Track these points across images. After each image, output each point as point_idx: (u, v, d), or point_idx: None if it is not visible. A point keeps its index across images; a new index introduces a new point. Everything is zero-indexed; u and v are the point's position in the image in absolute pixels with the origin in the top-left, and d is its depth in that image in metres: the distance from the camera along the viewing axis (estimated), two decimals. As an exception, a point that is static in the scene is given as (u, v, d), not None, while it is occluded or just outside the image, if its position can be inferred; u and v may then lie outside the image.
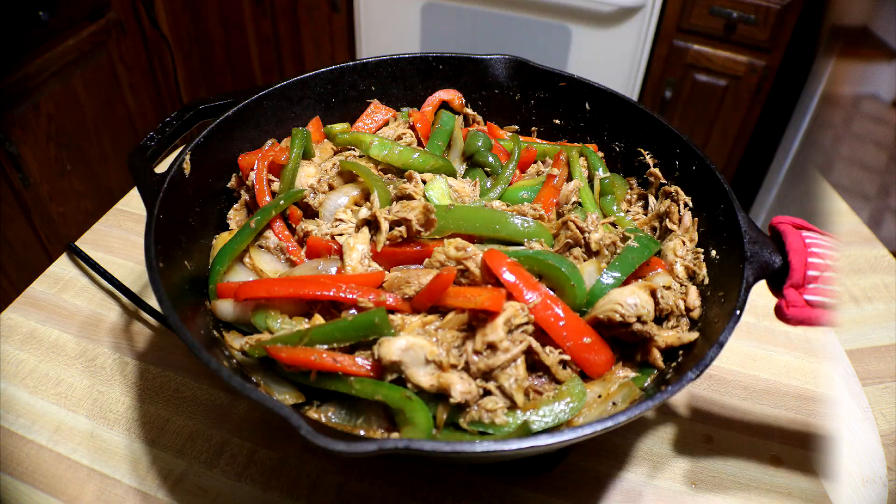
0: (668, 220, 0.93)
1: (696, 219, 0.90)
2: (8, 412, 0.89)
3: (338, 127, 1.05)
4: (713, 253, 0.84)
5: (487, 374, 0.70)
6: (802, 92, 2.31)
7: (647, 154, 1.00)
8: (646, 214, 0.99)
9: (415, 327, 0.73)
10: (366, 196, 0.91)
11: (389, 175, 0.96)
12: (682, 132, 0.94)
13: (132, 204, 1.25)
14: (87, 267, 1.10)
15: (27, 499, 0.80)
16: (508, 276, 0.73)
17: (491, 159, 1.01)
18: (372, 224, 0.84)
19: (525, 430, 0.68)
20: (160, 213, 0.78)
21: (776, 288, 0.76)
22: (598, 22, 2.38)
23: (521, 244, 0.85)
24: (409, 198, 0.86)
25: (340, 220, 0.87)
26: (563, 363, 0.74)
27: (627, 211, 1.00)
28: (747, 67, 2.34)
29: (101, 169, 2.45)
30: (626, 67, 2.47)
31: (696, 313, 0.80)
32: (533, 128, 1.15)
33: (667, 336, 0.77)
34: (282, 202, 0.89)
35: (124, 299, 1.06)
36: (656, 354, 0.76)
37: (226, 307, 0.80)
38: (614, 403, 0.73)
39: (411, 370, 0.69)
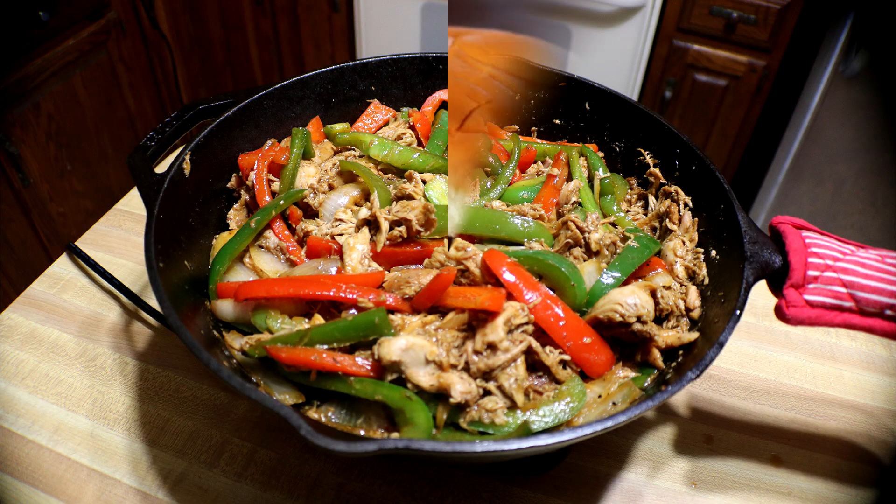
0: (668, 220, 0.93)
1: (696, 219, 0.90)
2: (8, 412, 0.89)
3: (338, 127, 1.05)
4: (713, 253, 0.84)
5: (487, 374, 0.70)
6: (802, 92, 2.31)
7: (647, 154, 1.00)
8: (646, 214, 0.99)
9: (415, 327, 0.73)
10: (366, 196, 0.91)
11: (389, 175, 0.96)
12: (682, 132, 0.94)
13: (132, 204, 1.25)
14: (87, 267, 1.10)
15: (27, 499, 0.80)
16: (508, 276, 0.73)
17: (491, 159, 1.01)
18: (372, 224, 0.84)
19: (525, 430, 0.68)
20: (160, 213, 0.78)
21: (776, 288, 0.76)
22: (598, 22, 2.38)
23: (521, 244, 0.85)
24: (409, 198, 0.86)
25: (340, 220, 0.87)
26: (563, 363, 0.74)
27: (627, 211, 1.00)
28: (747, 67, 2.33)
29: (101, 169, 2.45)
30: (626, 67, 2.47)
31: (696, 313, 0.80)
32: (533, 128, 1.15)
33: (667, 336, 0.77)
34: (282, 202, 0.89)
35: (124, 299, 1.06)
36: (656, 354, 0.76)
37: (226, 307, 0.80)
38: (614, 403, 0.73)
39: (411, 370, 0.69)
